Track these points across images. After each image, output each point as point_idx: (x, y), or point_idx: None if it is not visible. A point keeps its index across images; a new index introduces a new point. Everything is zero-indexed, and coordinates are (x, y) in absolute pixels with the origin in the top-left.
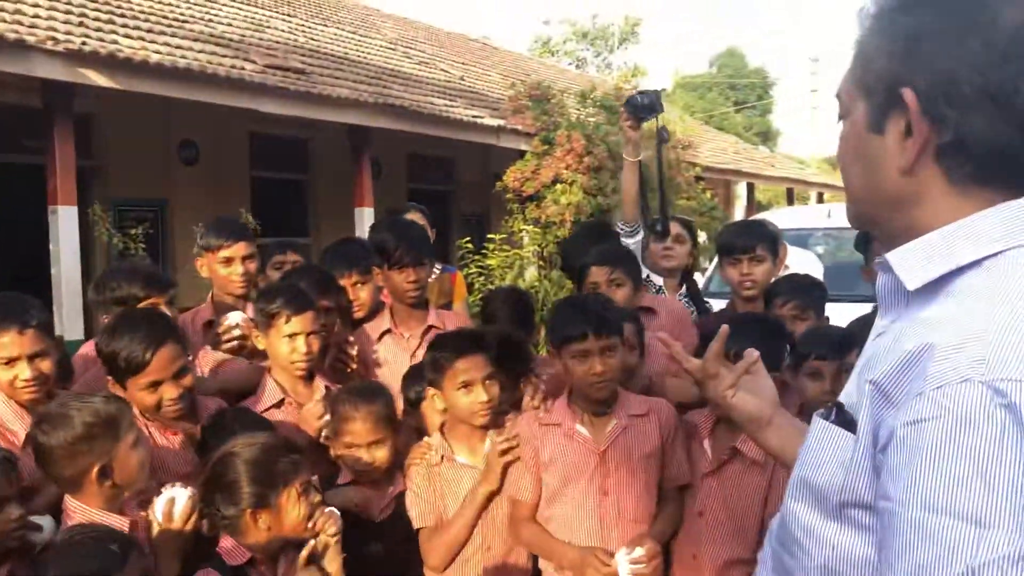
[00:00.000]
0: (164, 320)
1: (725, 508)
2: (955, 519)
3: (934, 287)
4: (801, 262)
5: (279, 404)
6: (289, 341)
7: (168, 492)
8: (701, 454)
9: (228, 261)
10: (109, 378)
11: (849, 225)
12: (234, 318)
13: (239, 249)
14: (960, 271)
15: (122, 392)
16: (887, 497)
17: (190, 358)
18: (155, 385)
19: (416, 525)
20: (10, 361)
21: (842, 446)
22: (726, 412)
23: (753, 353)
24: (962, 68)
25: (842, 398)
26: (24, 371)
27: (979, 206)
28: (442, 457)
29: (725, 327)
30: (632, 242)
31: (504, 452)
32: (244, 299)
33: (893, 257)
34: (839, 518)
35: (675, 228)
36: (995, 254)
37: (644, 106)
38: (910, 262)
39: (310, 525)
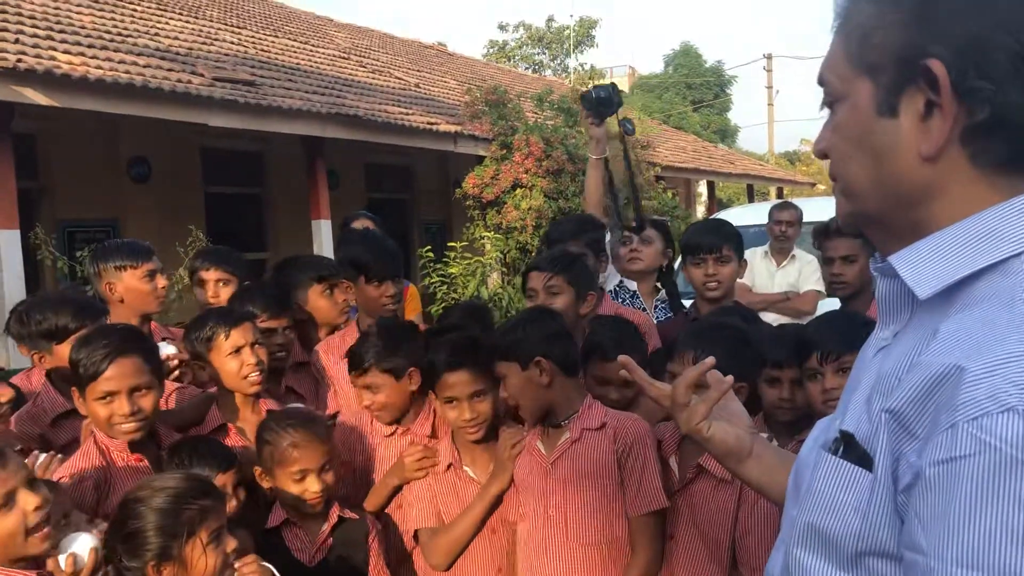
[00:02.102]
0: (135, 335)
1: (696, 530)
2: None
3: (947, 294)
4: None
5: (219, 430)
6: (235, 357)
7: (72, 541)
8: (669, 473)
9: (151, 275)
10: (74, 389)
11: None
12: (165, 351)
13: (156, 264)
14: (978, 275)
15: (83, 405)
16: (917, 549)
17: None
18: (109, 396)
19: (414, 526)
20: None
21: (857, 487)
22: (703, 445)
23: (724, 380)
24: (993, 32)
25: (849, 427)
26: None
27: (1006, 196)
28: (449, 464)
29: (711, 360)
30: None
31: (513, 447)
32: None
33: (899, 261)
34: (856, 569)
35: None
36: (1018, 254)
37: (602, 100)
38: (919, 266)
39: None
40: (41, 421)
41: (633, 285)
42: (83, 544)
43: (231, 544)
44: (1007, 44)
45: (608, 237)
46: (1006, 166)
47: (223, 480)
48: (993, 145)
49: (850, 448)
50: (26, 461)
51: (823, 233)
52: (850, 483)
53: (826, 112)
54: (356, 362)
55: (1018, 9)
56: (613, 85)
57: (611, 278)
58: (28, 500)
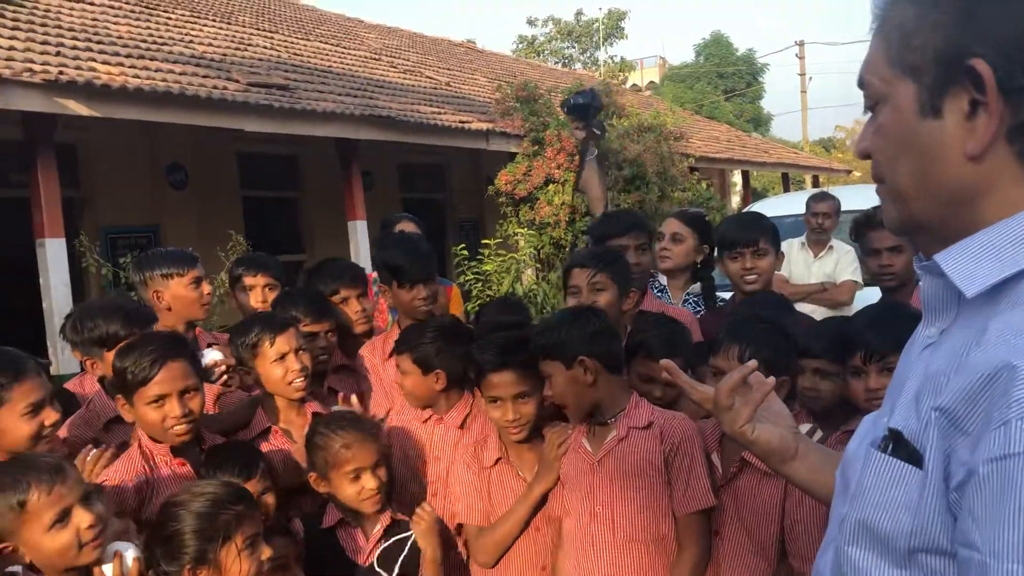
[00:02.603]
0: (177, 340)
1: (742, 525)
2: None
3: (994, 291)
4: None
5: (264, 433)
6: (280, 363)
7: (115, 547)
8: (712, 469)
9: (197, 282)
10: (119, 397)
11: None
12: (211, 356)
13: (200, 271)
14: (1023, 274)
15: (130, 412)
16: (971, 546)
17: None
18: (160, 400)
19: (460, 520)
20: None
21: (908, 484)
22: (747, 447)
23: (766, 382)
24: None
25: (898, 424)
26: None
27: None
28: (497, 459)
29: (753, 363)
30: None
31: (559, 447)
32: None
33: (945, 259)
34: (908, 566)
35: (674, 226)
36: None
37: (582, 105)
38: (966, 265)
39: None
40: (94, 425)
41: (663, 279)
42: (127, 556)
43: (266, 552)
44: None
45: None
46: None
47: (259, 486)
48: None
49: (899, 445)
50: (78, 457)
51: (866, 224)
52: (900, 481)
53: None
54: (398, 342)
55: None
56: (591, 90)
57: None
58: (83, 518)
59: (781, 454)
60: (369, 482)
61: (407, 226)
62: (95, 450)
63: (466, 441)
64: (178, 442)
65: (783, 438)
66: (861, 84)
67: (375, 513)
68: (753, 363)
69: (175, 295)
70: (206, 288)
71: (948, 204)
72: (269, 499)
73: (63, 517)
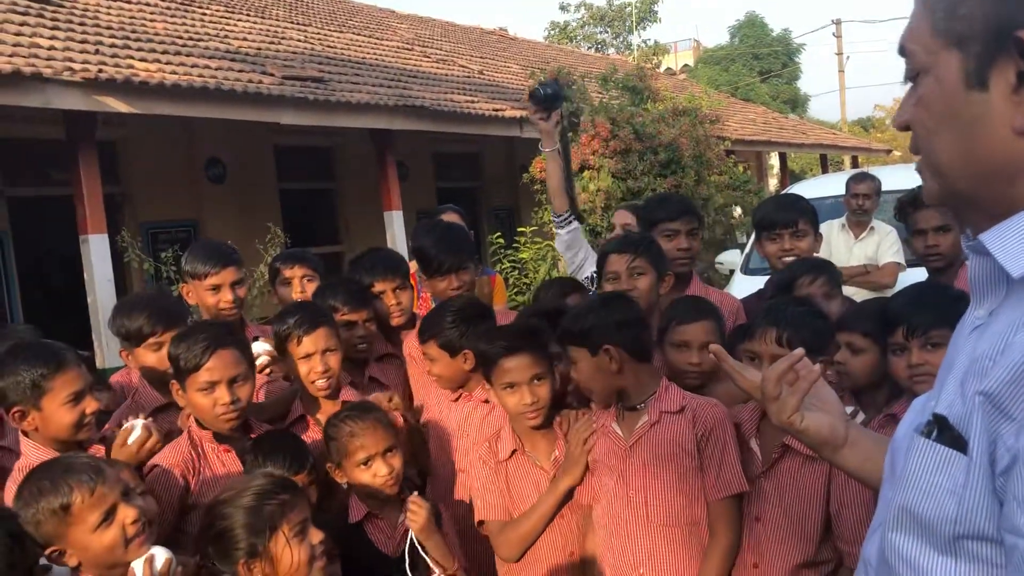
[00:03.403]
0: (228, 329)
1: (783, 510)
2: None
3: None
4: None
5: (299, 421)
6: (305, 362)
7: (149, 553)
8: (751, 455)
9: (216, 288)
10: (174, 383)
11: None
12: (257, 348)
13: (227, 276)
14: None
15: (182, 397)
16: (1018, 531)
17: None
18: (210, 387)
19: (480, 516)
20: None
21: (952, 470)
22: (796, 436)
23: (813, 369)
24: None
25: (943, 410)
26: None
27: None
28: (513, 451)
29: (799, 351)
30: (564, 232)
31: (586, 441)
32: (240, 325)
33: (991, 239)
34: (953, 552)
35: (625, 218)
36: None
37: (548, 96)
38: (1012, 244)
39: (316, 568)
40: (140, 414)
41: None
42: (158, 556)
43: (316, 536)
44: None
45: (574, 226)
46: None
47: (304, 476)
48: None
49: (944, 431)
50: (123, 428)
51: (911, 204)
52: (944, 466)
53: (899, 81)
54: (421, 331)
55: None
56: (558, 82)
57: (589, 263)
58: (127, 514)
59: (832, 442)
60: (380, 468)
61: (451, 217)
62: (138, 426)
63: (496, 414)
64: (226, 428)
65: (833, 426)
66: (902, 52)
67: (397, 499)
68: (800, 351)
69: (197, 296)
70: (226, 295)
71: (991, 179)
72: (314, 492)
73: (108, 516)
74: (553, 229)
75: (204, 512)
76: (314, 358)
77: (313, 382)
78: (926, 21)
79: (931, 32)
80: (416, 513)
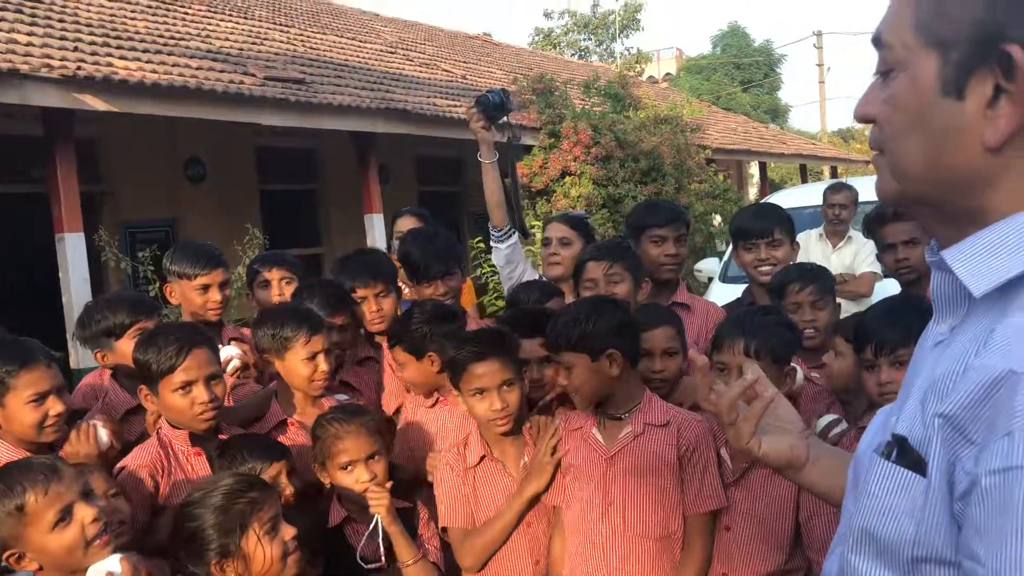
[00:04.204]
0: (198, 329)
1: (754, 520)
2: None
3: (1005, 290)
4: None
5: (280, 426)
6: (309, 363)
7: (102, 565)
8: (721, 464)
9: (205, 288)
10: (142, 387)
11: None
12: (228, 353)
13: (216, 276)
14: None
15: (154, 402)
16: (975, 558)
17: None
18: (187, 386)
19: (443, 523)
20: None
21: (911, 492)
22: (757, 460)
23: (767, 392)
24: None
25: (903, 430)
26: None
27: None
28: (481, 457)
29: (749, 377)
30: (504, 247)
31: (554, 450)
32: (219, 326)
33: (952, 256)
34: (912, 575)
35: (561, 230)
36: None
37: (495, 104)
38: (973, 262)
39: (290, 562)
40: (112, 417)
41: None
42: (112, 562)
43: (289, 532)
44: None
45: (513, 240)
46: None
47: (274, 470)
48: None
49: (903, 452)
50: (79, 428)
51: (878, 220)
52: (903, 488)
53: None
54: (389, 336)
55: None
56: (505, 90)
57: (527, 279)
58: (86, 513)
59: (794, 464)
60: (362, 474)
61: (408, 221)
62: (101, 431)
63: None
64: (204, 428)
65: (792, 447)
66: (878, 42)
67: None
68: (750, 377)
69: (183, 295)
70: (214, 295)
71: (954, 189)
72: (296, 482)
73: (65, 516)
74: (492, 244)
75: (174, 514)
76: (319, 358)
77: (314, 382)
78: (909, 15)
79: (913, 27)
80: (379, 498)
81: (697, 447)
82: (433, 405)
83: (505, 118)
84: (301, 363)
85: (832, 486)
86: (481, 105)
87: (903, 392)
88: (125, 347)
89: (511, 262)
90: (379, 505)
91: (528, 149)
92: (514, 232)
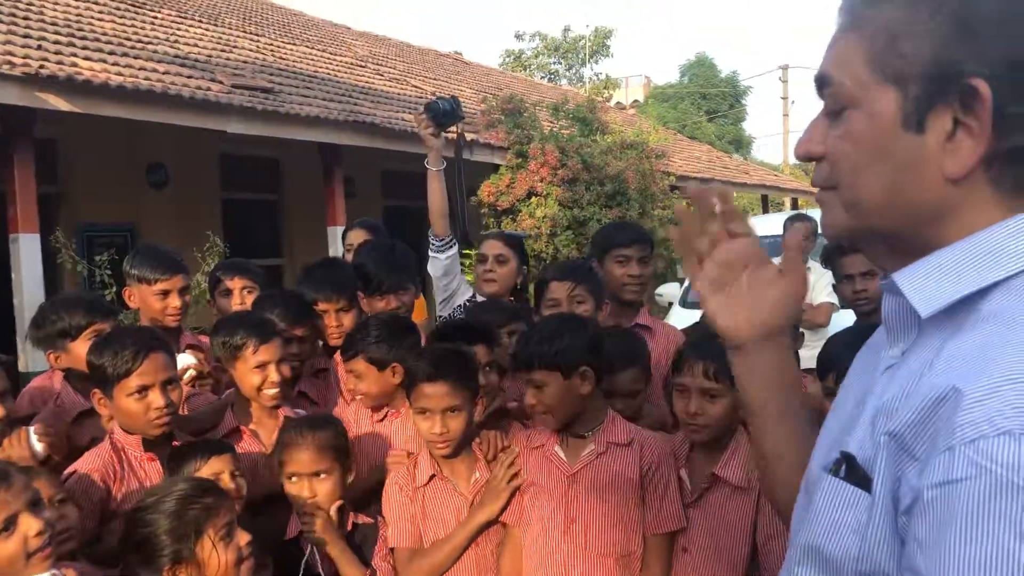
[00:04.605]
0: (154, 333)
1: (710, 541)
2: None
3: (951, 313)
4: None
5: (232, 434)
6: (259, 372)
7: None
8: (680, 485)
9: (165, 294)
10: (95, 391)
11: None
12: (184, 361)
13: (176, 282)
14: (981, 294)
15: (108, 407)
16: (916, 571)
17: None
18: (143, 391)
19: (391, 543)
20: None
21: (856, 508)
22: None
23: (749, 248)
24: None
25: (853, 449)
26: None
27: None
28: (431, 476)
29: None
30: (444, 257)
31: (512, 478)
32: (178, 332)
33: (902, 278)
34: None
35: (497, 248)
36: (1020, 272)
37: (446, 112)
38: (923, 284)
39: (243, 569)
40: (63, 420)
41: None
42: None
43: (244, 538)
44: None
45: (454, 251)
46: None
47: (215, 466)
48: (1017, 171)
49: (851, 469)
50: (17, 433)
51: (837, 251)
52: (849, 505)
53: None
54: (344, 349)
55: None
56: (455, 98)
57: (461, 293)
58: (30, 525)
59: (730, 337)
60: (303, 490)
61: (359, 234)
62: (25, 429)
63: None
64: (159, 433)
65: (742, 322)
66: (825, 81)
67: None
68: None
69: (142, 300)
70: (174, 301)
71: (914, 221)
72: (241, 481)
73: (8, 525)
74: (430, 252)
75: (125, 519)
76: (269, 368)
77: (263, 391)
78: (861, 53)
79: (867, 64)
80: (308, 522)
81: (659, 467)
82: (382, 419)
83: (455, 127)
84: (251, 372)
85: (759, 398)
86: (431, 111)
87: (852, 415)
88: (80, 349)
89: (448, 274)
90: (309, 528)
91: (495, 168)
92: (455, 243)
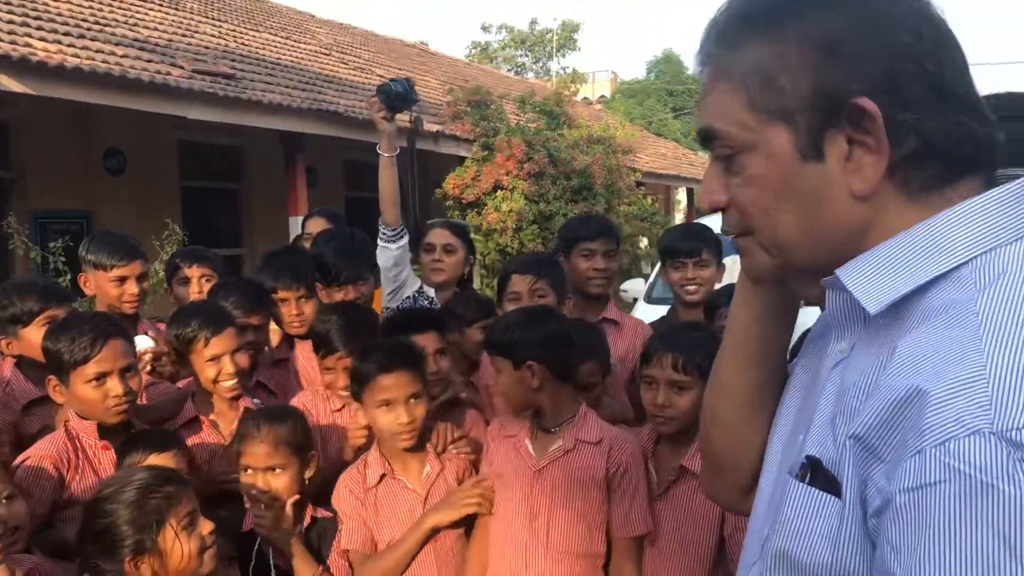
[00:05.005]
0: (111, 319)
1: (678, 534)
2: None
3: (899, 306)
4: None
5: (191, 424)
6: (213, 364)
7: None
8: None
9: (122, 281)
10: (51, 378)
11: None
12: (143, 343)
13: (133, 268)
14: (928, 286)
15: (63, 394)
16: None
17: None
18: (101, 378)
19: (344, 545)
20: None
21: (826, 514)
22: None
23: None
24: (903, 62)
25: (816, 451)
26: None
27: (939, 211)
28: (382, 476)
29: None
30: (395, 247)
31: (481, 500)
32: (135, 319)
33: (846, 274)
34: None
35: (445, 237)
36: (964, 263)
37: (398, 95)
38: (867, 280)
39: (206, 557)
40: (12, 408)
41: (432, 292)
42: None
43: (207, 527)
44: (918, 72)
45: (404, 241)
46: (937, 183)
47: (159, 463)
48: (924, 171)
49: (817, 474)
50: None
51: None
52: (819, 510)
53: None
54: (319, 344)
55: (916, 36)
56: (409, 79)
57: (409, 284)
58: None
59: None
60: (258, 482)
61: (318, 222)
62: None
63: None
64: (116, 421)
65: None
66: (710, 134)
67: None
68: None
69: (99, 286)
70: (131, 287)
71: (834, 246)
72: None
73: None
74: (379, 242)
75: (84, 510)
76: (223, 360)
77: (219, 383)
78: (737, 98)
79: (748, 109)
80: (260, 516)
81: (628, 469)
82: (340, 409)
83: (410, 110)
84: (205, 364)
85: (744, 326)
86: (383, 94)
87: (803, 410)
88: (31, 335)
89: (399, 264)
90: (260, 524)
91: (461, 160)
92: (406, 233)
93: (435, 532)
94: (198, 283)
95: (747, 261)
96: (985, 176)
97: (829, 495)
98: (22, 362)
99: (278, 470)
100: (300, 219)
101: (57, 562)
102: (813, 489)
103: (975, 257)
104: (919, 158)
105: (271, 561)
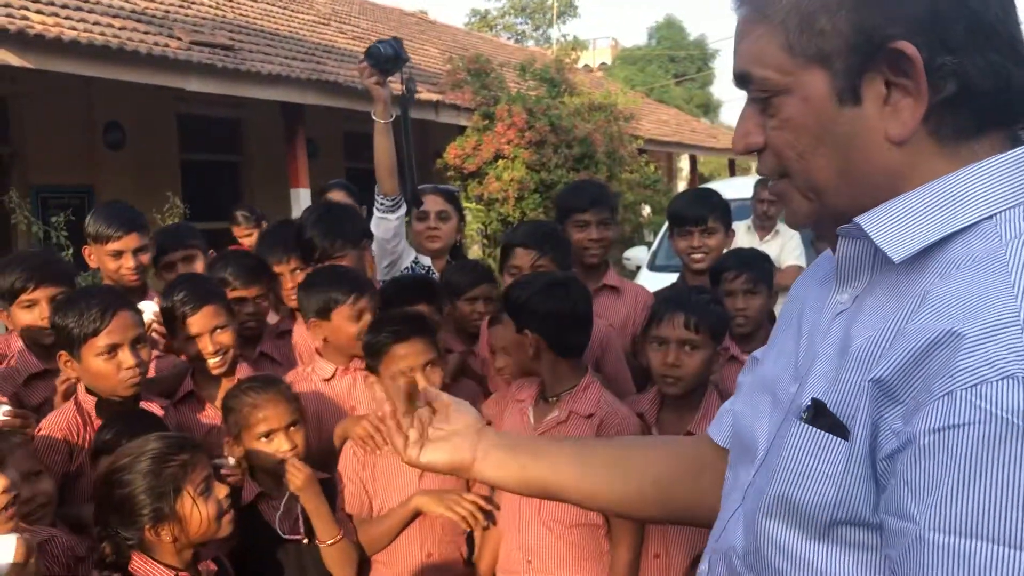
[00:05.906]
0: (117, 291)
1: None
2: (1001, 545)
3: (920, 256)
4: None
5: (187, 398)
6: (196, 340)
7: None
8: None
9: (118, 254)
10: (62, 353)
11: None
12: (148, 309)
13: (129, 241)
14: (951, 237)
15: (75, 368)
16: (905, 516)
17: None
18: (112, 350)
19: (345, 508)
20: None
21: (832, 455)
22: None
23: (437, 398)
24: (946, 3)
25: (820, 394)
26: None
27: (968, 163)
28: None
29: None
30: (394, 218)
31: (469, 515)
32: (141, 292)
33: (869, 222)
34: (826, 538)
35: (439, 203)
36: (987, 217)
37: (388, 57)
38: (892, 229)
39: (224, 521)
40: (14, 381)
41: (427, 261)
42: (6, 543)
43: (222, 491)
44: (961, 13)
45: (403, 211)
46: (969, 134)
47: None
48: (956, 118)
49: (821, 416)
50: None
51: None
52: (823, 452)
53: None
54: (301, 307)
55: None
56: (398, 39)
57: (406, 255)
58: None
59: (459, 468)
60: (283, 444)
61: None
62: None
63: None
64: (129, 393)
65: (453, 451)
66: (746, 78)
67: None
68: (402, 384)
69: (98, 259)
70: (128, 261)
71: (872, 191)
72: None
73: None
74: (376, 213)
75: (99, 481)
76: (204, 337)
77: (205, 360)
78: (776, 41)
79: (786, 51)
80: (298, 473)
81: None
82: (330, 379)
83: (402, 71)
84: (186, 342)
85: (501, 478)
86: (372, 58)
87: (805, 355)
88: (17, 313)
89: (397, 235)
90: (297, 479)
91: (461, 130)
92: (403, 203)
93: (417, 515)
94: (183, 266)
95: (788, 208)
96: (1009, 133)
97: (835, 436)
98: (25, 332)
99: (297, 425)
100: (301, 191)
101: (72, 535)
102: (819, 431)
103: (998, 212)
104: (955, 104)
105: (279, 527)
